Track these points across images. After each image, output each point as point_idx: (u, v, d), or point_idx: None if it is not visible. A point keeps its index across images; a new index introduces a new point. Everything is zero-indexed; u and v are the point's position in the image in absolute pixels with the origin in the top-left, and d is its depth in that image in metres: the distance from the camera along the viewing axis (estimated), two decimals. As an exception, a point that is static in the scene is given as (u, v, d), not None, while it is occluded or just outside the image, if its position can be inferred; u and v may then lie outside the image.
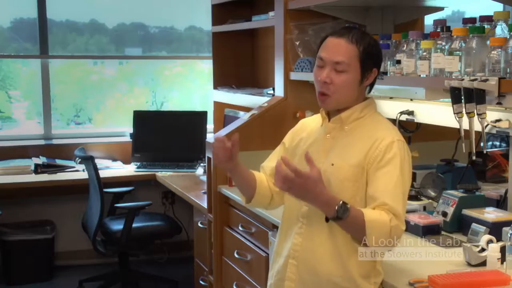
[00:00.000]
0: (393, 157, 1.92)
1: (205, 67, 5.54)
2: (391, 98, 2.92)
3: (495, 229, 2.21)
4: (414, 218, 2.45)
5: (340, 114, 2.03)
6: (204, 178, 3.87)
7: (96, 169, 4.09)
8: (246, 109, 3.84)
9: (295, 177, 1.81)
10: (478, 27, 2.19)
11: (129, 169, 4.83)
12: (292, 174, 1.81)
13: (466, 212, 2.41)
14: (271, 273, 2.16)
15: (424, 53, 2.37)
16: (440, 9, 3.27)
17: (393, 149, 1.93)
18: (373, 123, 2.03)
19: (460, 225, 2.44)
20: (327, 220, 1.93)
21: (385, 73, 2.64)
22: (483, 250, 2.07)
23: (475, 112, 2.11)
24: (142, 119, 5.10)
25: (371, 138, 1.97)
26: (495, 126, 2.32)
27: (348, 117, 2.03)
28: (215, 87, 4.53)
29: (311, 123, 2.17)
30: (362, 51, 1.96)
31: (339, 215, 1.85)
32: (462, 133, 2.23)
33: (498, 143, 3.27)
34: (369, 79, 2.01)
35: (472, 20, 2.31)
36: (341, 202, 1.85)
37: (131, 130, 5.10)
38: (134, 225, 4.17)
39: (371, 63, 1.99)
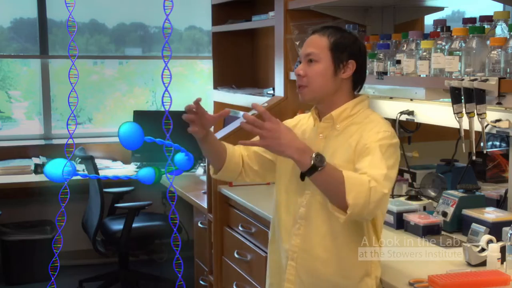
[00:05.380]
0: (376, 143, 1.88)
1: (205, 67, 5.54)
2: (391, 98, 2.91)
3: (495, 229, 2.20)
4: (414, 218, 2.45)
5: (331, 112, 2.01)
6: (204, 178, 3.87)
7: (96, 169, 4.09)
8: (246, 109, 3.84)
9: (265, 121, 1.79)
10: (478, 27, 2.19)
11: (129, 169, 4.82)
12: (261, 122, 1.79)
13: (466, 212, 2.41)
14: (268, 272, 2.17)
15: (424, 53, 2.37)
16: (440, 9, 3.28)
17: (378, 137, 1.90)
18: (364, 120, 1.99)
19: (460, 225, 2.44)
20: (302, 177, 1.84)
21: (385, 73, 2.64)
22: (483, 250, 2.06)
23: (475, 112, 2.11)
24: (142, 119, 5.09)
25: (359, 133, 1.95)
26: (495, 126, 2.31)
27: (339, 114, 2.00)
28: (215, 87, 4.53)
29: (305, 122, 2.14)
30: (332, 42, 1.98)
31: (316, 163, 1.76)
32: (462, 133, 2.23)
33: (498, 143, 3.26)
34: (347, 72, 1.99)
35: (472, 20, 2.31)
36: (316, 152, 1.79)
37: (131, 130, 5.09)
38: (134, 225, 4.17)
39: (345, 54, 1.98)
